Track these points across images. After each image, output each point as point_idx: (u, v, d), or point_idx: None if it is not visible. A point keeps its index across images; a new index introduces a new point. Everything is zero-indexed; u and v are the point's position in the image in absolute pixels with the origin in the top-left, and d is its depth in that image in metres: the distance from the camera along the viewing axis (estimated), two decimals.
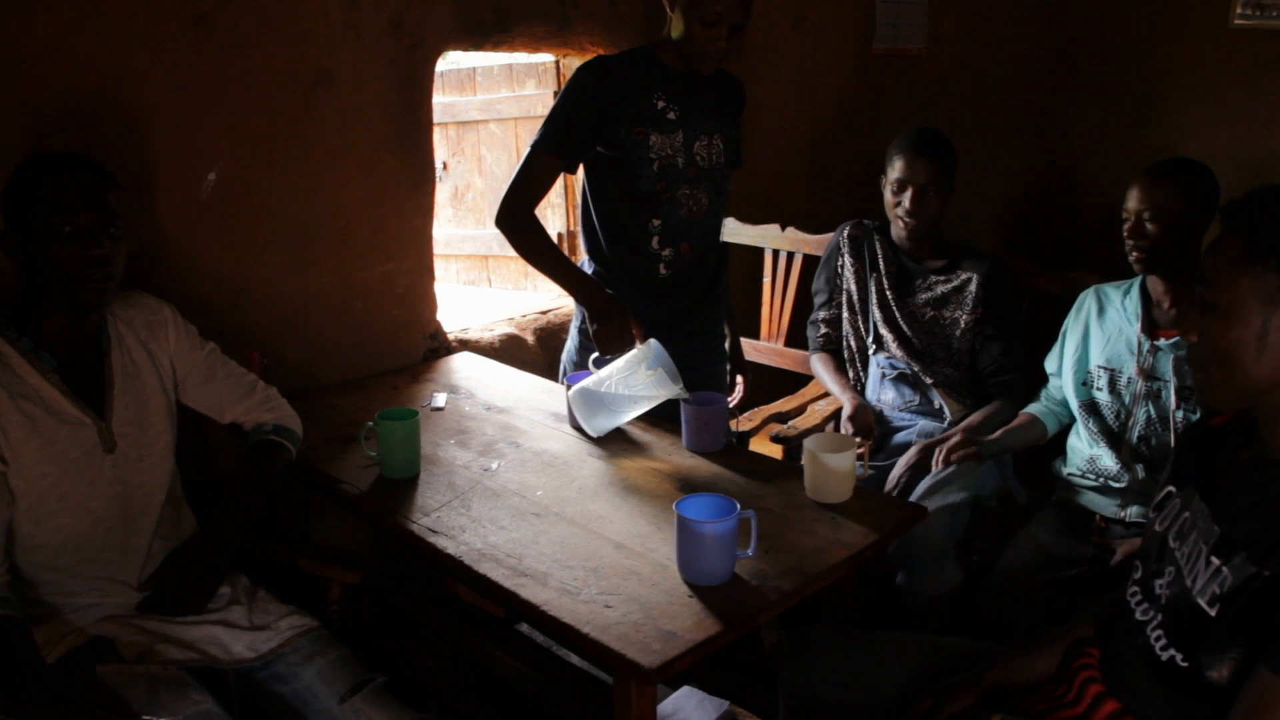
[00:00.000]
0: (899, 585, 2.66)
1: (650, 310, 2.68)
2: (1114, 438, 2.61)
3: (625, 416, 2.47)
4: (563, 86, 2.67)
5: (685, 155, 2.67)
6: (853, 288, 3.13)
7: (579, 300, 2.68)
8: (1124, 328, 2.61)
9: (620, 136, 2.60)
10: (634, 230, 2.70)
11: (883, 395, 3.10)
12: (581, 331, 2.84)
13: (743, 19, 2.53)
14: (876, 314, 3.05)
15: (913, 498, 2.66)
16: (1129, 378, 2.58)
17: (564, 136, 2.61)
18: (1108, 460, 2.62)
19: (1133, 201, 2.50)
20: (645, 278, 2.73)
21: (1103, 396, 2.63)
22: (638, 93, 2.62)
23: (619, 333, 2.52)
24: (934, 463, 2.71)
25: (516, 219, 2.64)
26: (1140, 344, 2.56)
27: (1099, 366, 2.64)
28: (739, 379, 3.13)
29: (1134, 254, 2.51)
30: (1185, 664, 1.52)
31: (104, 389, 2.08)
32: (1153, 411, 2.55)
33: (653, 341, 2.44)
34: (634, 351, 2.45)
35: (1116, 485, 2.60)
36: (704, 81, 2.68)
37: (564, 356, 2.97)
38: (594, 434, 2.50)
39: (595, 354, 2.55)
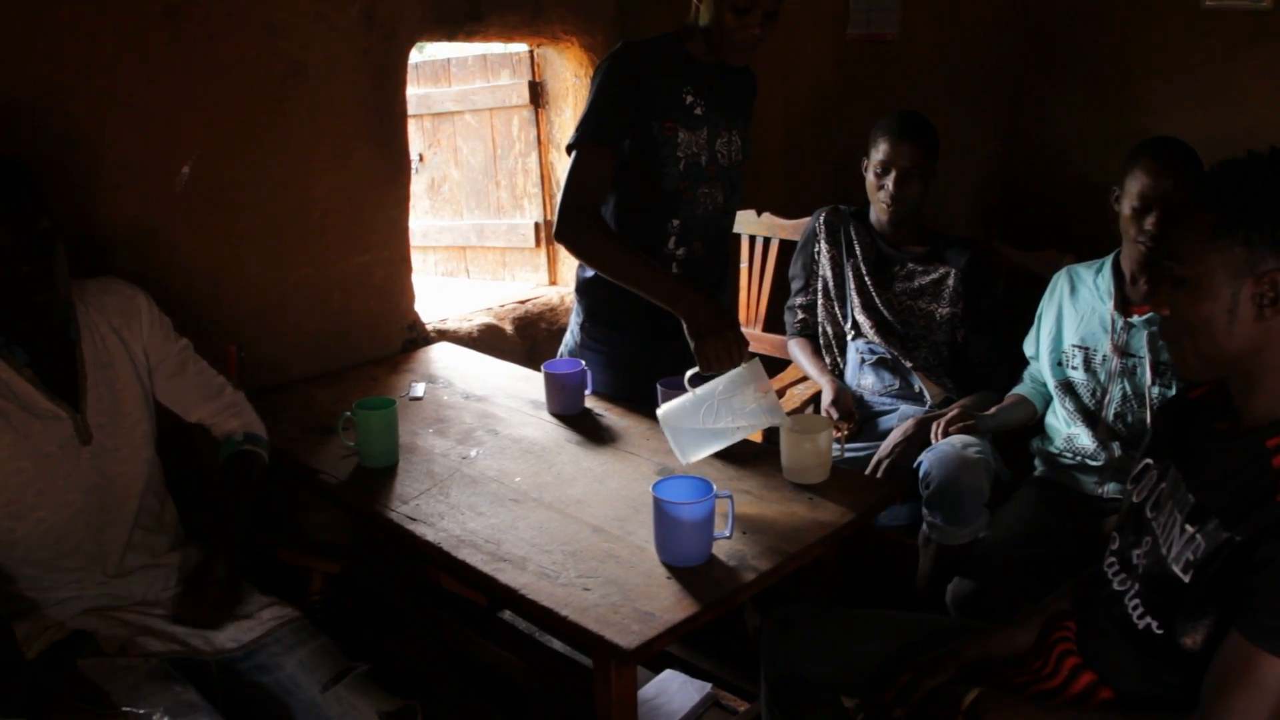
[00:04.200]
0: (923, 537, 2.66)
1: (659, 307, 2.62)
2: (1090, 416, 2.63)
3: (724, 443, 2.20)
4: (594, 79, 2.49)
5: (708, 153, 2.57)
6: (828, 274, 3.13)
7: (676, 311, 2.33)
8: (1097, 306, 2.63)
9: (652, 132, 2.48)
10: (652, 230, 2.59)
11: (862, 380, 3.11)
12: (582, 328, 2.76)
13: (776, 4, 2.40)
14: (854, 300, 3.06)
15: (936, 456, 2.63)
16: (1104, 355, 2.59)
17: (610, 126, 2.45)
18: (1085, 439, 2.63)
19: (1153, 190, 2.44)
20: None
21: (1078, 375, 2.64)
22: (668, 86, 2.49)
23: (726, 348, 2.23)
24: (934, 436, 2.71)
25: (577, 225, 2.43)
26: (1114, 321, 2.57)
27: (1073, 345, 2.65)
28: None
29: (1149, 244, 2.48)
30: (1161, 631, 1.53)
31: (77, 380, 2.06)
32: (1128, 388, 2.56)
33: (757, 359, 2.21)
34: (739, 370, 2.19)
35: (1094, 463, 2.62)
36: (726, 74, 2.58)
37: (562, 348, 2.90)
38: (685, 461, 2.19)
39: (693, 370, 2.27)
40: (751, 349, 3.07)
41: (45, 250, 1.93)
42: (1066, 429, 2.69)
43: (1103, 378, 2.60)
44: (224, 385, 2.32)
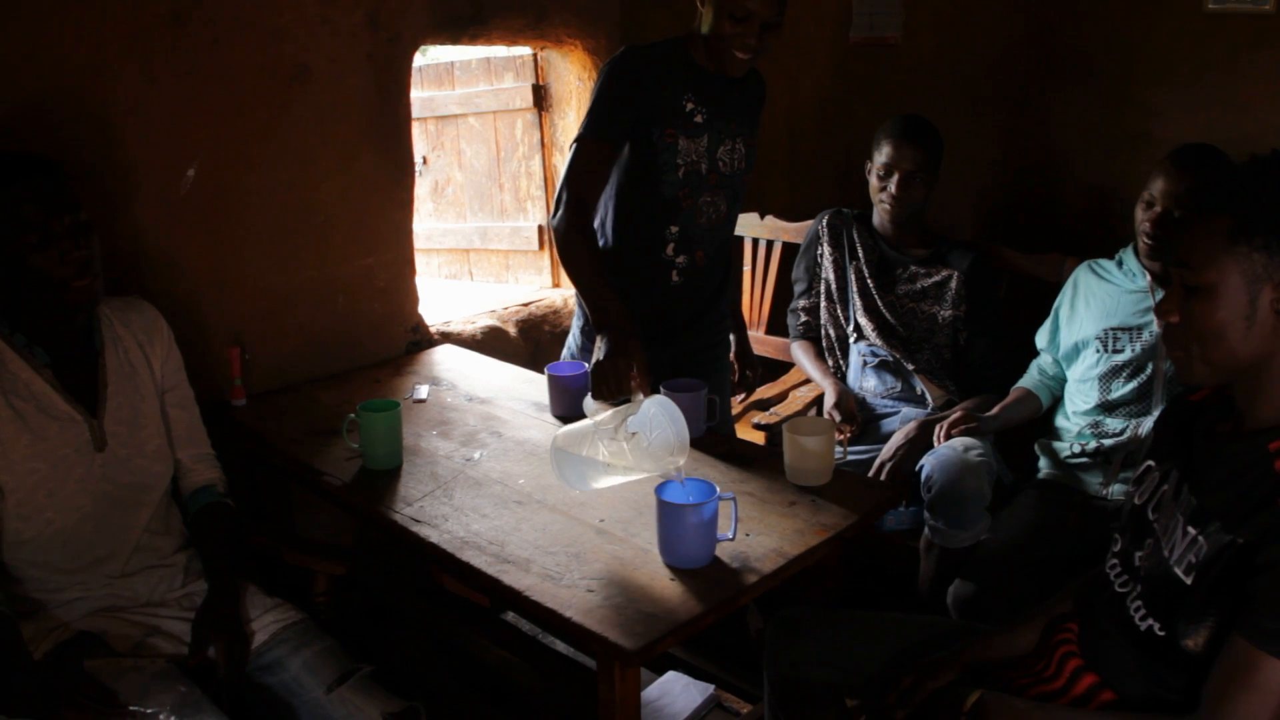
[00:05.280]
0: (925, 541, 2.67)
1: (658, 314, 2.61)
2: (1143, 388, 2.60)
3: (603, 482, 2.03)
4: (597, 80, 2.51)
5: (709, 161, 2.56)
6: (831, 276, 3.14)
7: (596, 329, 2.22)
8: (1132, 287, 2.62)
9: (652, 138, 2.49)
10: (650, 236, 2.59)
11: (864, 383, 3.11)
12: (584, 331, 2.79)
13: (776, 15, 2.38)
14: (857, 302, 3.06)
15: (937, 459, 2.64)
16: (1151, 332, 2.58)
17: (610, 122, 2.46)
18: (1115, 422, 2.62)
19: (1160, 191, 2.49)
20: (656, 283, 2.64)
21: (1124, 357, 2.61)
22: (669, 92, 2.49)
23: (614, 376, 2.10)
24: (935, 439, 2.72)
25: (568, 216, 2.39)
26: (1154, 293, 2.57)
27: (1113, 329, 2.63)
28: (749, 374, 3.05)
29: (1151, 240, 2.52)
30: (1163, 633, 1.54)
31: (97, 387, 2.08)
32: None
33: (656, 399, 2.00)
34: (625, 407, 2.02)
35: (1109, 444, 2.60)
36: (731, 81, 2.55)
37: (565, 351, 2.92)
38: (571, 488, 2.08)
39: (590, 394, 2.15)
40: (759, 351, 3.10)
41: (90, 239, 2.00)
42: (1091, 417, 2.66)
43: (1155, 353, 2.57)
44: (207, 438, 2.34)
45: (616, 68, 2.48)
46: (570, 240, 2.39)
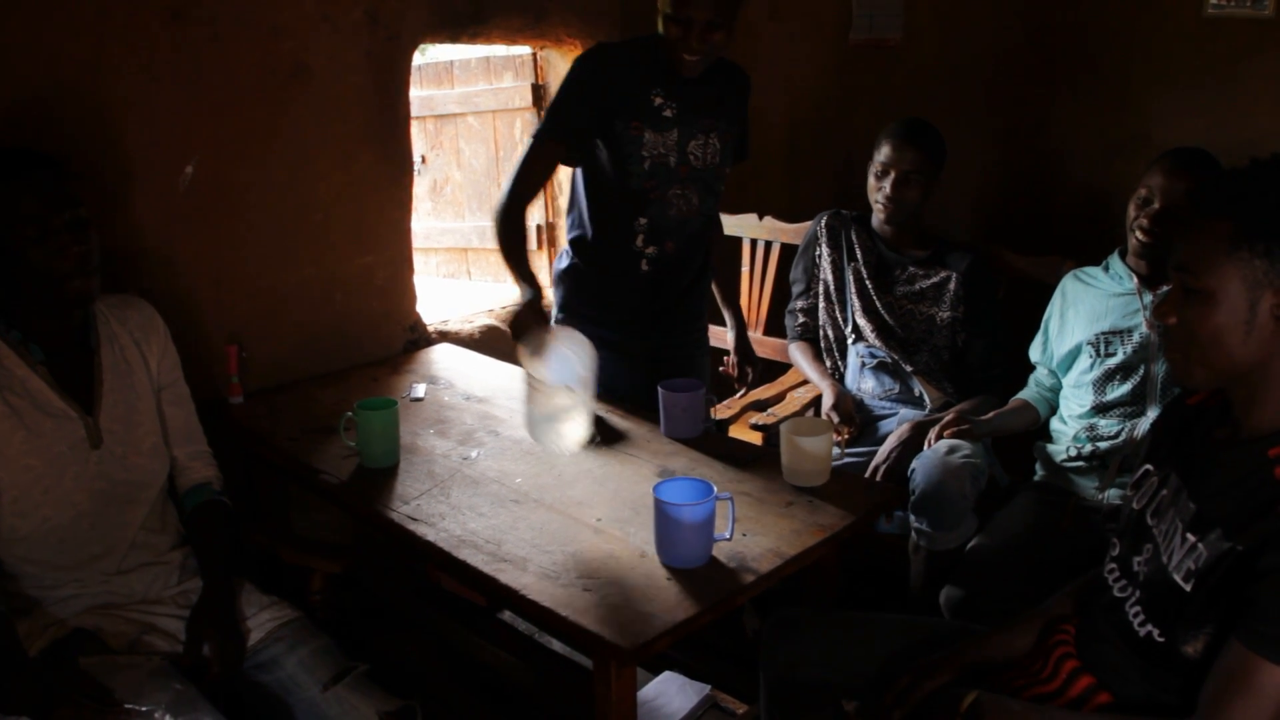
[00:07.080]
0: (912, 544, 2.66)
1: (630, 302, 2.66)
2: (1137, 390, 2.58)
3: (570, 435, 2.29)
4: (566, 74, 2.59)
5: (678, 154, 2.61)
6: (829, 277, 3.14)
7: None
8: (1119, 290, 2.62)
9: (616, 130, 2.55)
10: (619, 227, 2.67)
11: (863, 384, 3.11)
12: (557, 321, 2.81)
13: (717, 17, 2.42)
14: (855, 303, 3.06)
15: (921, 461, 2.64)
16: (1141, 333, 2.57)
17: (566, 122, 2.55)
18: (1110, 424, 2.61)
19: (1159, 188, 2.48)
20: (627, 273, 2.71)
21: (1116, 360, 2.59)
22: (637, 87, 2.55)
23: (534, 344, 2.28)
24: (927, 441, 2.72)
25: (503, 211, 2.50)
26: (1142, 295, 2.56)
27: (1103, 334, 2.61)
28: (748, 370, 3.08)
29: (1146, 237, 2.51)
30: (1162, 639, 1.53)
31: (92, 384, 2.08)
32: None
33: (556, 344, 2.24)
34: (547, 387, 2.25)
35: (1104, 447, 2.60)
36: (704, 75, 2.58)
37: None
38: (562, 452, 2.33)
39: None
40: (757, 353, 3.12)
41: (88, 235, 1.99)
42: (1086, 419, 2.65)
43: (1146, 355, 2.56)
44: (203, 436, 2.34)
45: (579, 65, 2.58)
46: (503, 230, 2.51)
